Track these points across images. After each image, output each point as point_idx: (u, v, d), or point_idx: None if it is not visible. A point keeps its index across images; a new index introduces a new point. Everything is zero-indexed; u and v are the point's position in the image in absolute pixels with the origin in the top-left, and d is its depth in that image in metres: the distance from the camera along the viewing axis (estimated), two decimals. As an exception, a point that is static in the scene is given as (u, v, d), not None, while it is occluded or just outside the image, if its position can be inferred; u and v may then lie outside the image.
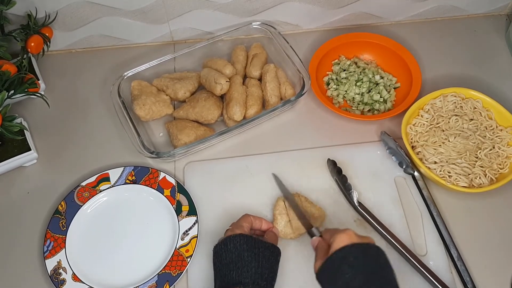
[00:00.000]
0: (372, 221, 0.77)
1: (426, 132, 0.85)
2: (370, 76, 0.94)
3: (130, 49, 1.02)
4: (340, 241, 0.61)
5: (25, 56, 0.89)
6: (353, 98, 0.93)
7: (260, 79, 0.94)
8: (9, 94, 0.81)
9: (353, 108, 0.93)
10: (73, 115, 0.93)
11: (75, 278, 0.74)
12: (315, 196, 0.81)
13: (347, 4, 0.98)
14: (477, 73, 0.97)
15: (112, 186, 0.82)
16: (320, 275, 0.62)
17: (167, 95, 0.91)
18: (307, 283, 0.73)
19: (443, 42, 1.02)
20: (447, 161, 0.81)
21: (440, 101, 0.87)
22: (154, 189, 0.82)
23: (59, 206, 0.80)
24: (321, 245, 0.66)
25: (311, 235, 0.70)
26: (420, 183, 0.81)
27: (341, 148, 0.87)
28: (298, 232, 0.76)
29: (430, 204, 0.79)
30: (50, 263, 0.75)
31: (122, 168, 0.84)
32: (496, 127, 0.85)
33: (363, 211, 0.77)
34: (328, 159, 0.83)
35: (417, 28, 1.04)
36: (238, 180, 0.83)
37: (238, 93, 0.88)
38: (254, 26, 0.96)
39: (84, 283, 0.73)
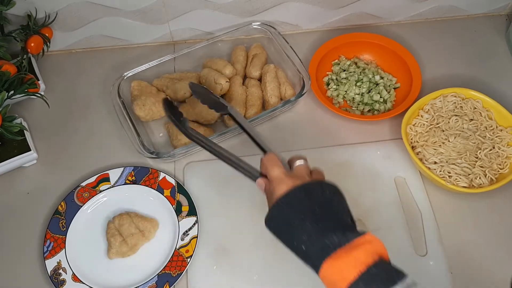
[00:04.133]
0: (209, 144, 0.70)
1: (426, 132, 0.85)
2: (370, 76, 0.94)
3: (130, 49, 1.02)
4: (280, 189, 0.59)
5: (25, 56, 0.89)
6: (353, 98, 0.93)
7: (260, 80, 0.94)
8: (9, 94, 0.81)
9: (353, 108, 0.93)
10: (73, 115, 0.93)
11: (75, 278, 0.74)
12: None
13: (347, 4, 0.98)
14: (477, 73, 0.97)
15: (112, 187, 0.82)
16: (268, 224, 0.60)
17: (167, 95, 0.91)
18: (307, 283, 0.73)
19: (443, 42, 1.02)
20: (447, 161, 0.81)
21: (440, 101, 0.87)
22: (154, 189, 0.82)
23: (59, 206, 0.80)
24: (268, 187, 0.62)
25: (249, 173, 0.66)
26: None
27: (341, 148, 0.87)
28: (136, 248, 0.76)
29: None
30: (50, 264, 0.75)
31: (122, 169, 0.84)
32: (496, 127, 0.85)
33: (197, 136, 0.70)
34: (164, 100, 0.75)
35: (417, 28, 1.04)
36: (238, 180, 0.83)
37: (238, 94, 0.88)
38: (254, 26, 0.96)
39: (84, 283, 0.73)
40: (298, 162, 0.64)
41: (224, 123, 0.89)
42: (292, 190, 0.58)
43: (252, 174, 0.65)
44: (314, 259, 0.54)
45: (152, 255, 0.77)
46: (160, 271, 0.74)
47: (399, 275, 0.52)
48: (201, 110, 0.87)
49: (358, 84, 0.93)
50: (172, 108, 0.72)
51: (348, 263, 0.52)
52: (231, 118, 0.74)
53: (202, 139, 0.70)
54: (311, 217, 0.56)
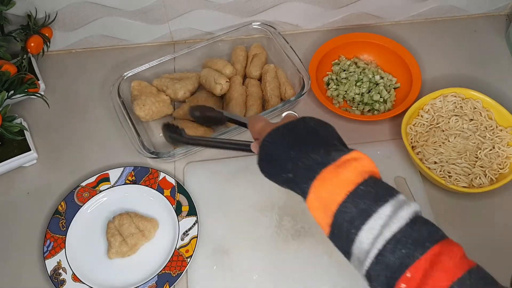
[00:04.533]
0: (207, 140, 0.73)
1: (426, 132, 0.85)
2: (370, 76, 0.94)
3: (130, 49, 1.02)
4: (265, 132, 0.58)
5: (25, 56, 0.89)
6: (353, 98, 0.93)
7: (260, 79, 0.94)
8: (9, 94, 0.81)
9: (353, 108, 0.93)
10: (73, 115, 0.93)
11: (75, 278, 0.74)
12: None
13: (347, 4, 0.98)
14: (477, 73, 0.97)
15: (112, 187, 0.82)
16: (260, 168, 0.58)
17: (167, 95, 0.91)
18: (307, 283, 0.73)
19: (443, 42, 1.02)
20: (447, 161, 0.81)
21: (440, 101, 0.87)
22: (154, 189, 0.82)
23: (59, 206, 0.80)
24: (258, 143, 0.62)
25: (244, 146, 0.67)
26: None
27: (341, 148, 0.87)
28: (136, 248, 0.76)
29: None
30: (50, 264, 0.75)
31: (122, 169, 0.84)
32: (496, 127, 0.85)
33: (194, 138, 0.73)
34: (163, 126, 0.75)
35: (417, 28, 1.04)
36: (238, 180, 0.83)
37: (238, 93, 0.88)
38: (254, 26, 0.96)
39: (84, 283, 0.73)
40: (285, 113, 0.63)
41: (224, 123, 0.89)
42: (275, 128, 0.57)
43: (248, 145, 0.66)
44: (302, 184, 0.52)
45: (152, 255, 0.77)
46: (160, 271, 0.74)
47: (390, 192, 0.50)
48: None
49: (358, 84, 0.93)
50: (169, 128, 0.73)
51: (335, 184, 0.50)
52: (231, 121, 0.75)
53: (200, 139, 0.73)
54: (295, 147, 0.54)
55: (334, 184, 0.50)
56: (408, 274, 0.45)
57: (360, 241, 0.48)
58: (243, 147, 0.67)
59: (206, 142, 0.73)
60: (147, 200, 0.82)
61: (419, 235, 0.47)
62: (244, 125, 0.72)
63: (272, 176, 0.57)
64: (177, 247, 0.76)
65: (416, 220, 0.48)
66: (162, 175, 0.83)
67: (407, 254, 0.46)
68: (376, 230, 0.47)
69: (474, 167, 0.80)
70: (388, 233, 0.47)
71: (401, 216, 0.47)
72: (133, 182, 0.82)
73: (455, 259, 0.45)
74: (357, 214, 0.48)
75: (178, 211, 0.79)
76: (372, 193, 0.49)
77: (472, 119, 0.85)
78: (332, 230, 0.50)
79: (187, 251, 0.75)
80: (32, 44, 0.89)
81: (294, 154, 0.54)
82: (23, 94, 0.84)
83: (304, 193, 0.52)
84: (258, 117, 0.65)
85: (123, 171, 0.83)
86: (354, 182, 0.49)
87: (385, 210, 0.48)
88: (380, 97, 0.92)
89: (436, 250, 0.46)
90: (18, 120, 0.86)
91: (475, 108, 0.86)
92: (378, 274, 0.47)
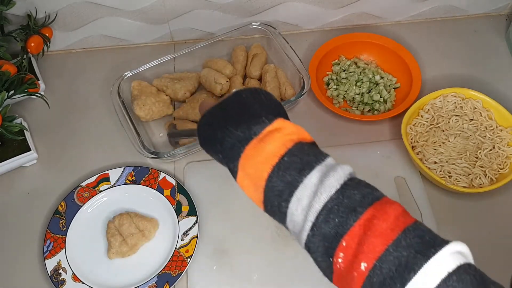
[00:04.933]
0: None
1: (426, 132, 0.85)
2: (370, 76, 0.94)
3: (130, 49, 1.02)
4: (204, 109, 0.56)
5: (25, 56, 0.89)
6: (353, 98, 0.93)
7: (260, 79, 0.94)
8: (9, 94, 0.81)
9: (353, 108, 0.93)
10: (73, 115, 0.93)
11: (75, 278, 0.74)
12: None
13: (347, 4, 0.98)
14: (477, 73, 0.97)
15: (112, 186, 0.82)
16: (205, 150, 0.57)
17: (167, 95, 0.90)
18: (307, 283, 0.73)
19: (443, 42, 1.02)
20: (447, 161, 0.81)
21: (440, 101, 0.87)
22: (154, 189, 0.82)
23: (59, 206, 0.80)
24: None
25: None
26: None
27: (341, 148, 0.87)
28: (136, 248, 0.76)
29: None
30: (50, 264, 0.75)
31: (122, 168, 0.84)
32: (496, 127, 0.85)
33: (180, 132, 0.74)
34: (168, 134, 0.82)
35: (417, 28, 1.04)
36: (238, 180, 0.83)
37: (238, 93, 0.88)
38: (254, 27, 0.96)
39: (84, 283, 0.73)
40: (233, 90, 0.60)
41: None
42: (208, 110, 0.55)
43: None
44: (230, 164, 0.51)
45: (152, 255, 0.77)
46: (160, 271, 0.74)
47: (317, 157, 0.48)
48: (199, 111, 0.87)
49: (358, 84, 0.93)
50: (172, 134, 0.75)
51: (260, 159, 0.48)
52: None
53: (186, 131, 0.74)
54: (221, 127, 0.52)
55: (258, 160, 0.48)
56: (343, 243, 0.43)
57: (291, 213, 0.47)
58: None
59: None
60: (147, 200, 0.82)
61: (350, 201, 0.45)
62: None
63: (216, 160, 0.55)
64: (177, 247, 0.76)
65: (347, 185, 0.46)
66: (162, 175, 0.83)
67: (341, 223, 0.44)
68: (305, 201, 0.46)
69: (474, 167, 0.80)
70: (318, 204, 0.45)
71: (329, 183, 0.45)
72: (133, 182, 0.82)
73: (389, 221, 0.43)
74: (284, 187, 0.47)
75: (178, 211, 0.79)
76: (297, 162, 0.47)
77: (472, 119, 0.85)
78: (265, 206, 0.49)
79: (187, 251, 0.75)
80: (32, 44, 0.89)
81: (220, 134, 0.52)
82: (23, 94, 0.84)
83: (233, 173, 0.51)
84: (206, 102, 0.61)
85: (123, 171, 0.83)
86: (277, 154, 0.48)
87: (311, 179, 0.46)
88: (380, 97, 0.92)
89: (369, 214, 0.44)
90: (18, 120, 0.86)
91: (475, 108, 0.86)
92: (317, 246, 0.45)
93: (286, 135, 0.49)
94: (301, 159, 0.47)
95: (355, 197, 0.45)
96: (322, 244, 0.45)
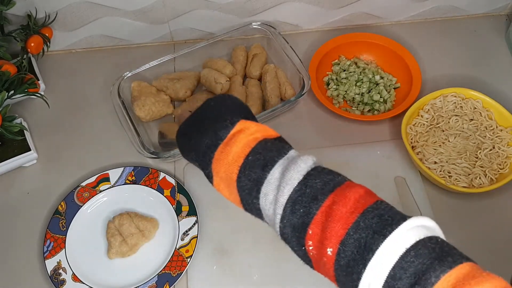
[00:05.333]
0: None
1: (426, 132, 0.85)
2: (370, 76, 0.94)
3: (130, 49, 1.02)
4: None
5: (25, 56, 0.89)
6: (353, 98, 0.93)
7: (260, 79, 0.94)
8: (9, 94, 0.81)
9: (353, 108, 0.93)
10: (73, 115, 0.93)
11: (75, 278, 0.74)
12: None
13: (347, 4, 0.98)
14: (477, 73, 0.97)
15: (112, 186, 0.82)
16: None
17: (167, 95, 0.90)
18: (307, 283, 0.73)
19: (443, 42, 1.02)
20: (447, 161, 0.81)
21: (440, 101, 0.87)
22: (154, 189, 0.82)
23: (59, 206, 0.80)
24: None
25: None
26: None
27: (341, 148, 0.87)
28: (136, 248, 0.76)
29: None
30: (50, 264, 0.75)
31: (122, 168, 0.84)
32: (496, 127, 0.85)
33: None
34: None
35: (417, 28, 1.04)
36: (238, 180, 0.83)
37: (238, 93, 0.88)
38: (254, 27, 0.96)
39: (84, 283, 0.73)
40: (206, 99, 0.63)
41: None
42: (184, 120, 0.58)
43: None
44: (205, 171, 0.54)
45: (152, 255, 0.77)
46: (160, 271, 0.74)
47: (279, 152, 0.50)
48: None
49: (358, 84, 0.93)
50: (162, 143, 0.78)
51: (228, 163, 0.50)
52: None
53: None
54: (194, 135, 0.55)
55: (226, 162, 0.50)
56: (310, 231, 0.45)
57: (263, 208, 0.49)
58: None
59: None
60: (147, 200, 0.82)
61: (312, 190, 0.46)
62: None
63: (195, 166, 0.58)
64: (177, 247, 0.76)
65: (310, 175, 0.47)
66: (162, 175, 0.83)
67: (305, 212, 0.45)
68: (271, 196, 0.48)
69: (474, 167, 0.80)
70: (282, 198, 0.47)
71: (290, 176, 0.47)
72: (133, 182, 0.82)
73: (349, 205, 0.44)
74: (252, 185, 0.49)
75: (178, 211, 0.79)
76: (261, 159, 0.49)
77: (472, 119, 0.85)
78: (243, 205, 0.52)
79: (187, 251, 0.75)
80: (32, 44, 0.89)
81: (193, 142, 0.55)
82: (23, 94, 0.84)
83: (210, 179, 0.54)
84: (183, 114, 0.64)
85: (123, 171, 0.83)
86: (242, 154, 0.50)
87: (274, 174, 0.48)
88: (380, 97, 0.92)
89: (329, 200, 0.45)
90: (18, 120, 0.86)
91: (475, 108, 0.86)
92: (290, 236, 0.47)
93: (250, 135, 0.51)
94: (264, 156, 0.49)
95: (317, 185, 0.46)
96: (294, 235, 0.47)
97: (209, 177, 0.54)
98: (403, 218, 0.43)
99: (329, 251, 0.43)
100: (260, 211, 0.50)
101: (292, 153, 0.50)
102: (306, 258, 0.47)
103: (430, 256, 0.39)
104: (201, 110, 0.58)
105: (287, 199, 0.46)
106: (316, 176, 0.47)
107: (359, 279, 0.41)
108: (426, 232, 0.42)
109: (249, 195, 0.50)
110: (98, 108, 0.94)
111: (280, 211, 0.47)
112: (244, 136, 0.51)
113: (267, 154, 0.50)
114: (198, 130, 0.55)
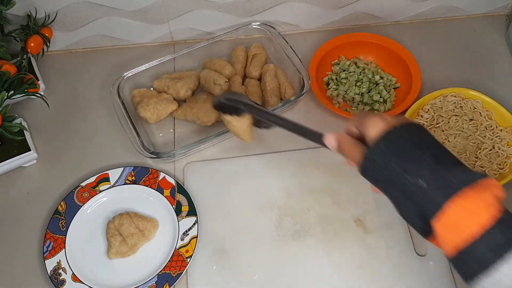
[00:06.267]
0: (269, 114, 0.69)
1: (426, 132, 0.84)
2: (370, 76, 0.94)
3: (130, 49, 1.02)
4: (376, 126, 0.52)
5: (25, 56, 0.89)
6: (353, 98, 0.93)
7: (260, 79, 0.94)
8: (9, 94, 0.81)
9: (353, 108, 0.93)
10: (73, 115, 0.93)
11: (75, 278, 0.74)
12: (315, 197, 0.81)
13: (347, 4, 0.98)
14: (477, 73, 0.97)
15: (112, 187, 0.82)
16: (365, 173, 0.54)
17: (168, 94, 0.90)
18: (307, 283, 0.73)
19: (443, 42, 1.02)
20: (447, 161, 0.81)
21: (440, 101, 0.87)
22: (154, 189, 0.82)
23: (59, 206, 0.80)
24: (345, 140, 0.57)
25: (317, 136, 0.60)
26: None
27: (341, 148, 0.87)
28: (136, 248, 0.76)
29: None
30: (50, 264, 0.75)
31: (122, 169, 0.84)
32: (496, 127, 0.85)
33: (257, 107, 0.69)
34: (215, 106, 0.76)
35: (417, 28, 1.04)
36: (238, 180, 0.83)
37: (238, 93, 0.88)
38: (254, 26, 0.96)
39: (84, 283, 0.73)
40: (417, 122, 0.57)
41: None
42: (401, 125, 0.52)
43: (319, 135, 0.61)
44: (436, 197, 0.47)
45: (152, 255, 0.77)
46: (160, 271, 0.74)
47: None
48: (198, 111, 0.87)
49: (358, 84, 0.93)
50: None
51: (478, 205, 0.46)
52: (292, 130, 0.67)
53: (263, 110, 0.70)
54: (429, 151, 0.50)
55: (476, 205, 0.46)
56: None
57: (501, 272, 0.44)
58: (313, 136, 0.61)
59: (269, 116, 0.66)
60: (147, 200, 0.82)
61: None
62: (312, 137, 0.63)
63: (387, 177, 0.51)
64: (177, 247, 0.76)
65: None
66: (162, 175, 0.83)
67: None
68: None
69: (474, 167, 0.80)
70: None
71: None
72: (133, 182, 0.82)
73: None
74: (504, 242, 0.45)
75: (178, 211, 0.79)
76: None
77: (472, 119, 0.85)
78: (460, 254, 0.47)
79: (187, 251, 0.75)
80: (32, 44, 0.89)
81: (430, 160, 0.49)
82: (23, 94, 0.84)
83: (433, 209, 0.48)
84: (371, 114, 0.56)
85: (123, 171, 0.83)
86: (496, 207, 0.46)
87: None
88: (380, 97, 0.92)
89: None
90: (18, 120, 0.86)
91: (475, 108, 0.86)
92: None
93: (501, 198, 0.48)
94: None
95: None
96: None
97: (435, 206, 0.47)
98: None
99: None
100: (484, 270, 0.45)
101: None
102: None
103: None
104: (419, 131, 0.53)
105: None
106: None
107: None
108: None
109: (489, 250, 0.45)
110: (98, 108, 0.94)
111: None
112: (498, 192, 0.48)
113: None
114: (437, 154, 0.51)
